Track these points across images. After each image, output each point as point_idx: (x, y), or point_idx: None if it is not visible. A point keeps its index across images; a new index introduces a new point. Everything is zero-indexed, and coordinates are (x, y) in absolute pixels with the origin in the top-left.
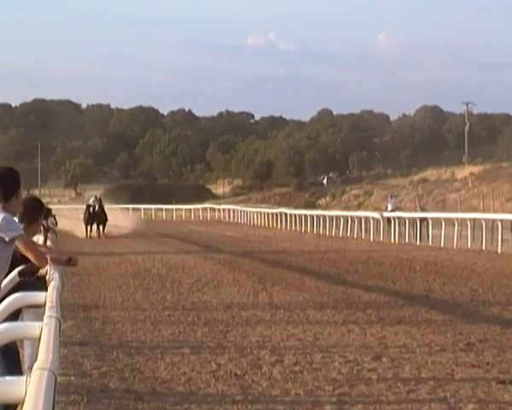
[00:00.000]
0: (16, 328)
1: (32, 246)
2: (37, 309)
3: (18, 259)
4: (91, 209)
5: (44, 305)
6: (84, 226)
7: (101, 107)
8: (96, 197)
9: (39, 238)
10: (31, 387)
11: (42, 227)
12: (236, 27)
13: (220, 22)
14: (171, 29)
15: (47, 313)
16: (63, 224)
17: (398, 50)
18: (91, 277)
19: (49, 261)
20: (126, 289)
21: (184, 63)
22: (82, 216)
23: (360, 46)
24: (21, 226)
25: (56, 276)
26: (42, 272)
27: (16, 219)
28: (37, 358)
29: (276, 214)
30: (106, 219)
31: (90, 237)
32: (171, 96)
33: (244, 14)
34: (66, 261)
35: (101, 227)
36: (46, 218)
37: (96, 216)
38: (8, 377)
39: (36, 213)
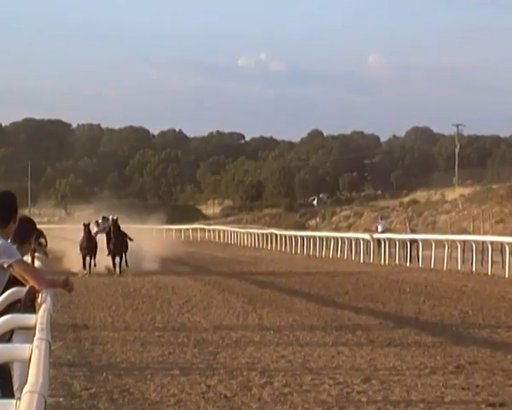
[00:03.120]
0: (6, 350)
1: (31, 269)
2: (28, 330)
3: (10, 280)
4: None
5: (35, 327)
6: (80, 256)
7: (92, 126)
8: (105, 218)
9: (28, 259)
10: None
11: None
12: (227, 48)
13: (211, 42)
14: (162, 49)
15: (37, 335)
16: (54, 245)
17: (389, 71)
18: (81, 297)
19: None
20: (116, 309)
21: (175, 83)
22: (79, 241)
23: (351, 67)
24: (14, 247)
25: (48, 299)
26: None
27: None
28: (27, 380)
29: (266, 235)
30: (126, 248)
31: (90, 272)
32: (161, 116)
33: (235, 34)
34: (64, 284)
35: (117, 259)
36: (36, 238)
37: (115, 243)
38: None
39: (28, 233)
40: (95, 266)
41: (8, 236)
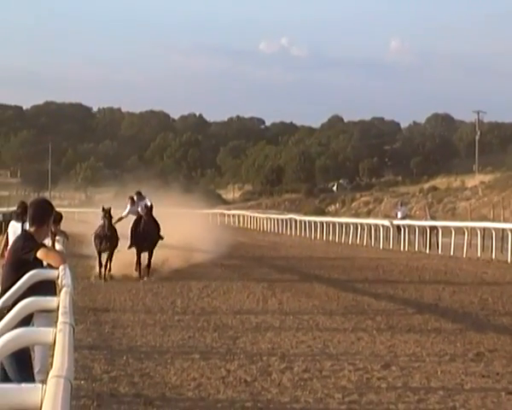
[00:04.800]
0: (30, 333)
1: (49, 250)
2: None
3: (31, 262)
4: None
5: (57, 310)
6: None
7: (113, 110)
8: (141, 196)
9: (49, 242)
10: (47, 395)
11: (50, 232)
12: (249, 32)
13: (232, 27)
14: (182, 33)
15: (60, 319)
16: (75, 228)
17: (410, 58)
18: (101, 280)
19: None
20: (136, 293)
21: (196, 68)
22: (95, 230)
23: (372, 53)
24: (32, 229)
25: (69, 281)
26: (53, 275)
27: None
28: (51, 364)
29: (286, 220)
30: (158, 238)
31: (105, 277)
32: (182, 101)
33: (256, 18)
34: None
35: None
36: (55, 222)
37: (143, 234)
38: (24, 385)
39: (46, 216)
40: (109, 270)
41: (43, 237)
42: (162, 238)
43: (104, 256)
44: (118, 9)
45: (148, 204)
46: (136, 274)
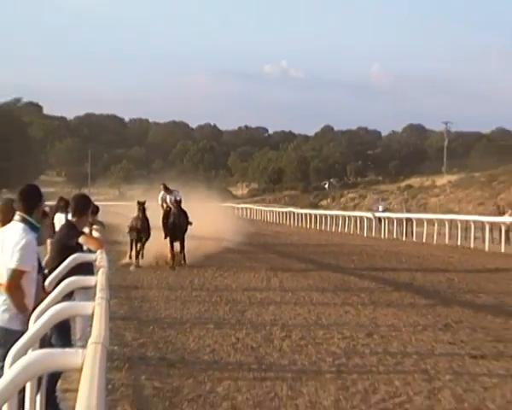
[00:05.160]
0: (74, 306)
1: (89, 237)
2: (87, 290)
3: (74, 247)
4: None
5: (95, 287)
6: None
7: (141, 121)
8: (175, 191)
9: (87, 230)
10: (87, 358)
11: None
12: (255, 57)
13: (243, 53)
14: (199, 59)
15: (98, 294)
16: (109, 219)
17: (389, 78)
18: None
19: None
20: (160, 273)
21: (211, 86)
22: (130, 221)
23: (357, 74)
24: (74, 219)
25: (105, 263)
26: (92, 258)
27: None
28: (90, 332)
29: (286, 213)
30: (187, 225)
31: (139, 264)
32: (199, 113)
33: (262, 46)
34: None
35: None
36: (93, 213)
37: (174, 224)
38: (68, 349)
39: (85, 208)
40: (142, 257)
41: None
42: (191, 224)
43: (136, 246)
44: (148, 41)
45: (178, 198)
46: (168, 261)
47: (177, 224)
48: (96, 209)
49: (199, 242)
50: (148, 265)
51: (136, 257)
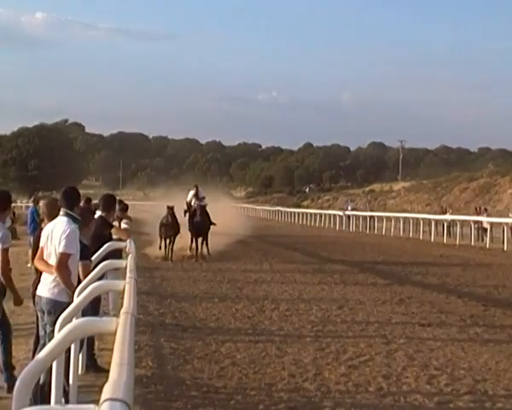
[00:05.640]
0: (109, 284)
1: (119, 228)
2: (117, 270)
3: (107, 236)
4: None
5: (125, 269)
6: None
7: (162, 137)
8: (201, 197)
9: (116, 223)
10: (120, 324)
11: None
12: (251, 87)
13: (240, 83)
14: (208, 87)
15: (128, 274)
16: (137, 214)
17: (357, 104)
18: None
19: (130, 237)
20: (176, 259)
21: (218, 110)
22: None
23: (332, 100)
24: (103, 214)
25: (133, 250)
26: (122, 246)
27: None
28: (122, 304)
29: (275, 211)
30: (210, 225)
31: (171, 258)
32: (207, 131)
33: (256, 76)
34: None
35: (198, 241)
36: (123, 210)
37: (197, 223)
38: (104, 317)
39: (112, 205)
40: (172, 250)
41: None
42: (215, 224)
43: (165, 240)
44: (161, 71)
45: (202, 204)
46: (189, 254)
47: (200, 223)
48: (126, 207)
49: (218, 237)
50: (177, 259)
51: (164, 249)
